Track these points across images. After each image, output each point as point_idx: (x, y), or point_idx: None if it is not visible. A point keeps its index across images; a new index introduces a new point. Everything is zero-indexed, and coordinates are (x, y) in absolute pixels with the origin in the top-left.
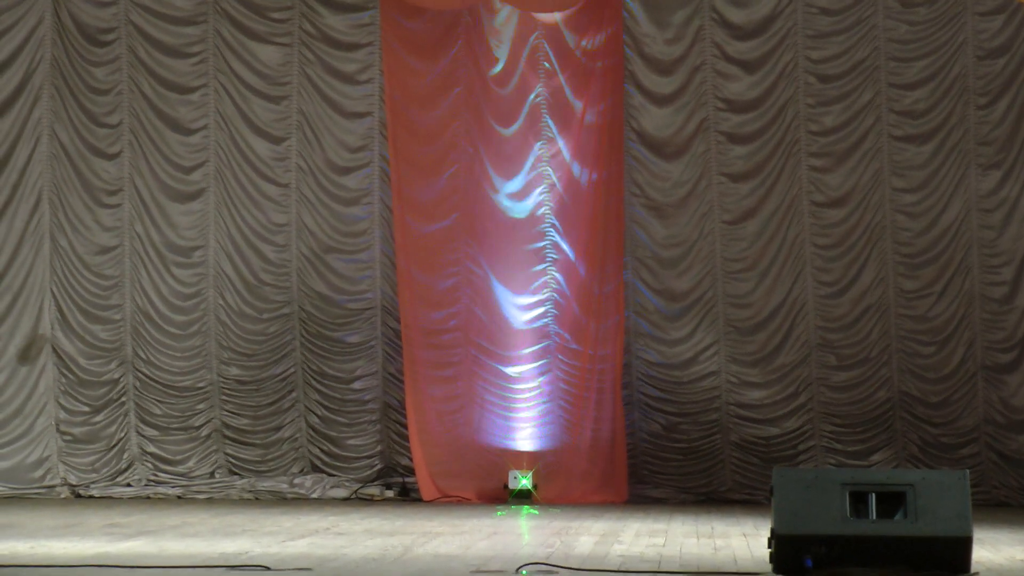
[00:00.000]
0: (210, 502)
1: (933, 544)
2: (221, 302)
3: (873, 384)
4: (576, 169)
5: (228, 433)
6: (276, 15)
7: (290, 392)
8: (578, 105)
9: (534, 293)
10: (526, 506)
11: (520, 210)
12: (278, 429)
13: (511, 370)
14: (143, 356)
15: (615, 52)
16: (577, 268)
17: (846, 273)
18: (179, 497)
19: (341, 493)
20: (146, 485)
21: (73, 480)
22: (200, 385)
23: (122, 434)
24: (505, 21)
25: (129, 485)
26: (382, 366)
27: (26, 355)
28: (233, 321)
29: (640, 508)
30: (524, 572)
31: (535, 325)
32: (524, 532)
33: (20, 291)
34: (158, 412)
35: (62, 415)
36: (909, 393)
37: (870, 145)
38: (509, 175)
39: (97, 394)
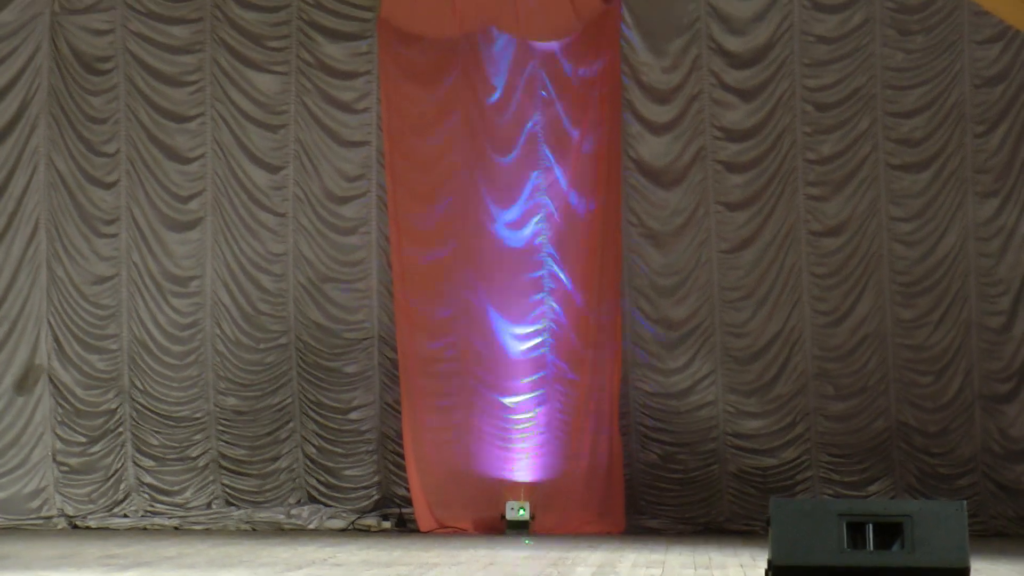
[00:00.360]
0: (207, 533)
1: (930, 575)
2: (218, 332)
3: (870, 414)
4: (573, 198)
5: (225, 463)
6: (273, 44)
7: (287, 422)
8: (575, 133)
9: (531, 323)
10: (523, 538)
11: (517, 239)
12: (275, 459)
13: (508, 400)
14: (140, 386)
15: (612, 80)
16: (574, 297)
17: (843, 302)
18: (176, 528)
19: (338, 524)
20: (143, 516)
21: (70, 511)
22: (197, 415)
23: (119, 464)
24: (502, 49)
25: (126, 516)
26: (379, 396)
27: (23, 385)
28: (230, 351)
29: (637, 538)
30: None
31: (532, 355)
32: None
33: (17, 320)
34: (155, 442)
35: (59, 445)
36: (907, 423)
37: (867, 173)
38: (506, 204)
39: (94, 424)
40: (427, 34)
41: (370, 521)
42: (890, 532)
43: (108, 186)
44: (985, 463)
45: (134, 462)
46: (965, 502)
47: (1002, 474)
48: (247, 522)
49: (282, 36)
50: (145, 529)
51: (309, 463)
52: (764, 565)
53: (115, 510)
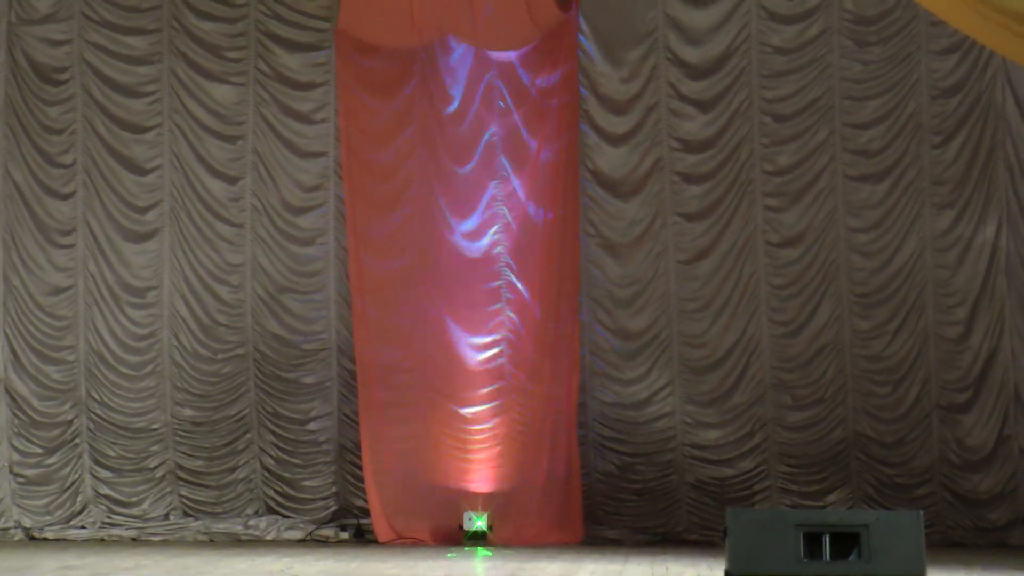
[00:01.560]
0: (165, 544)
1: None
2: (175, 343)
3: (828, 424)
4: (531, 208)
5: (182, 475)
6: (231, 54)
7: (245, 433)
8: (533, 144)
9: (489, 333)
10: (480, 548)
11: (475, 249)
12: (233, 470)
13: (466, 410)
14: (97, 397)
15: (570, 91)
16: (532, 308)
17: (801, 312)
18: (133, 539)
19: (296, 535)
20: (100, 527)
21: (27, 523)
22: (154, 426)
23: (76, 476)
24: (460, 59)
25: (83, 527)
26: (337, 407)
27: None
28: (187, 362)
29: (595, 549)
30: None
31: (490, 365)
32: (479, 574)
33: None
34: (112, 454)
35: (15, 457)
36: (864, 433)
37: (824, 184)
38: (464, 214)
39: (51, 435)
40: (385, 44)
41: (328, 532)
42: (847, 542)
43: (65, 197)
44: (942, 473)
45: (91, 473)
46: (922, 512)
47: (959, 484)
48: (205, 533)
49: (240, 47)
50: (103, 540)
51: (267, 474)
52: (722, 575)
53: (72, 521)
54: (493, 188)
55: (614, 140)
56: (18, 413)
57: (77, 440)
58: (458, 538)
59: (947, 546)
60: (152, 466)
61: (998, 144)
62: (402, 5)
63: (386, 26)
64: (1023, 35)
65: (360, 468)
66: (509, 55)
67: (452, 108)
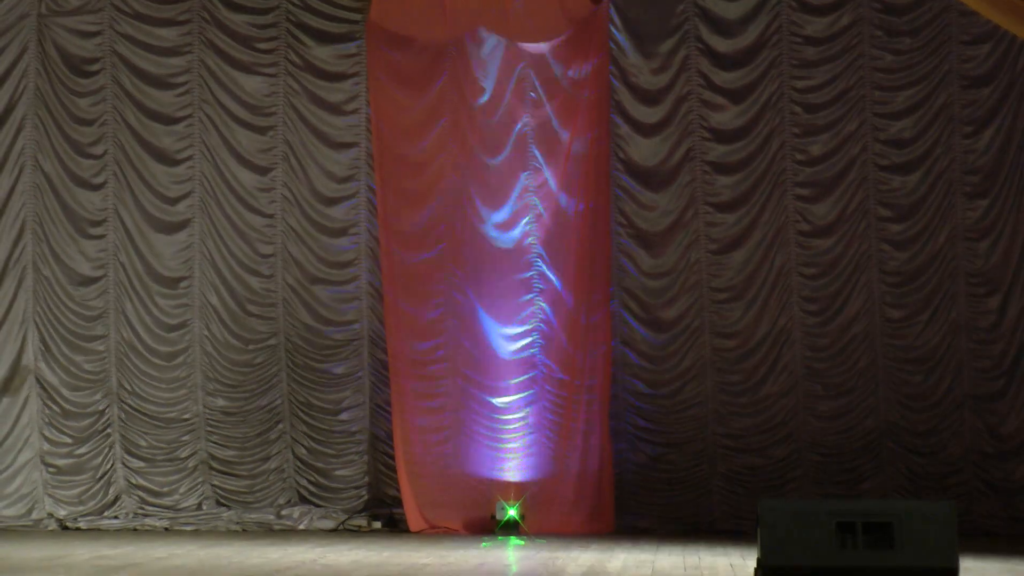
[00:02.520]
0: (197, 534)
1: (919, 574)
2: (207, 333)
3: (860, 413)
4: (563, 199)
5: (215, 464)
6: (262, 45)
7: (277, 423)
8: (565, 135)
9: (521, 323)
10: (513, 537)
11: (507, 240)
12: (265, 460)
13: (498, 400)
14: (128, 387)
15: (601, 82)
16: (564, 298)
17: (832, 302)
18: (166, 529)
19: (328, 524)
20: (133, 517)
21: (60, 513)
22: (186, 416)
23: (108, 466)
24: (491, 51)
25: (116, 517)
26: (369, 397)
27: (9, 386)
28: (219, 352)
29: (627, 538)
30: None
31: (522, 355)
32: (511, 563)
33: (3, 322)
34: (144, 444)
35: (46, 447)
36: (896, 422)
37: (856, 174)
38: (496, 205)
39: (82, 425)
40: (416, 36)
41: (360, 521)
42: (880, 532)
43: (95, 188)
44: (975, 462)
45: (123, 463)
46: (954, 503)
47: (992, 473)
48: (237, 523)
49: (270, 38)
50: (135, 530)
51: (299, 464)
52: (754, 565)
53: (105, 512)
54: (525, 179)
55: (646, 131)
56: (49, 403)
57: (109, 430)
58: (490, 527)
59: (980, 535)
60: (184, 456)
61: None
62: None
63: (418, 17)
64: None
65: (392, 458)
66: (540, 47)
67: (483, 100)
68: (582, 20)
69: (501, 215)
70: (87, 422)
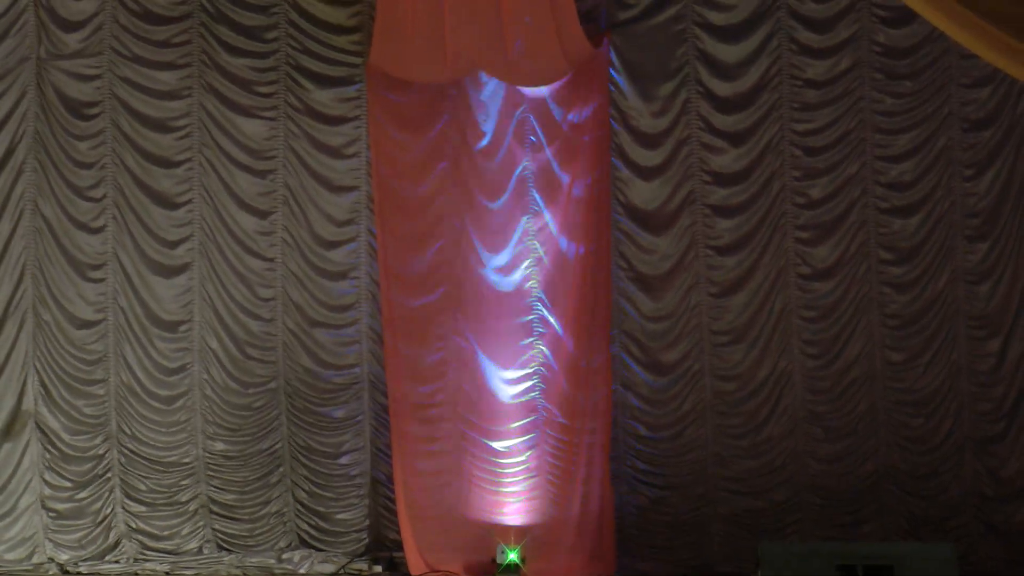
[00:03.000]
0: None
1: None
2: (207, 376)
3: (860, 456)
4: (563, 242)
5: (215, 508)
6: (261, 89)
7: (277, 467)
8: (565, 178)
9: (522, 367)
10: None
11: (507, 284)
12: (266, 504)
13: (499, 444)
14: (128, 431)
15: (602, 125)
16: (564, 342)
17: (833, 345)
18: (167, 573)
19: (329, 568)
20: (134, 561)
21: (61, 557)
22: (186, 460)
23: (108, 510)
24: (491, 95)
25: (117, 562)
26: (370, 440)
27: (9, 431)
28: (219, 395)
29: None
30: None
31: (523, 399)
32: None
33: (3, 366)
34: (144, 488)
35: (47, 491)
36: (896, 465)
37: (856, 217)
38: (496, 249)
39: (82, 469)
40: (416, 80)
41: (361, 565)
42: (881, 575)
43: (95, 231)
44: (975, 505)
45: (123, 507)
46: (954, 545)
47: (992, 516)
48: (238, 567)
49: (270, 82)
50: (136, 575)
51: (300, 507)
52: None
53: (106, 556)
54: (525, 223)
55: (646, 174)
56: (49, 447)
57: (109, 474)
58: (491, 571)
59: None
60: (184, 500)
61: None
62: (435, 41)
63: (418, 61)
64: None
65: (393, 501)
66: (540, 91)
67: (484, 143)
68: (582, 63)
69: (501, 258)
70: (87, 466)
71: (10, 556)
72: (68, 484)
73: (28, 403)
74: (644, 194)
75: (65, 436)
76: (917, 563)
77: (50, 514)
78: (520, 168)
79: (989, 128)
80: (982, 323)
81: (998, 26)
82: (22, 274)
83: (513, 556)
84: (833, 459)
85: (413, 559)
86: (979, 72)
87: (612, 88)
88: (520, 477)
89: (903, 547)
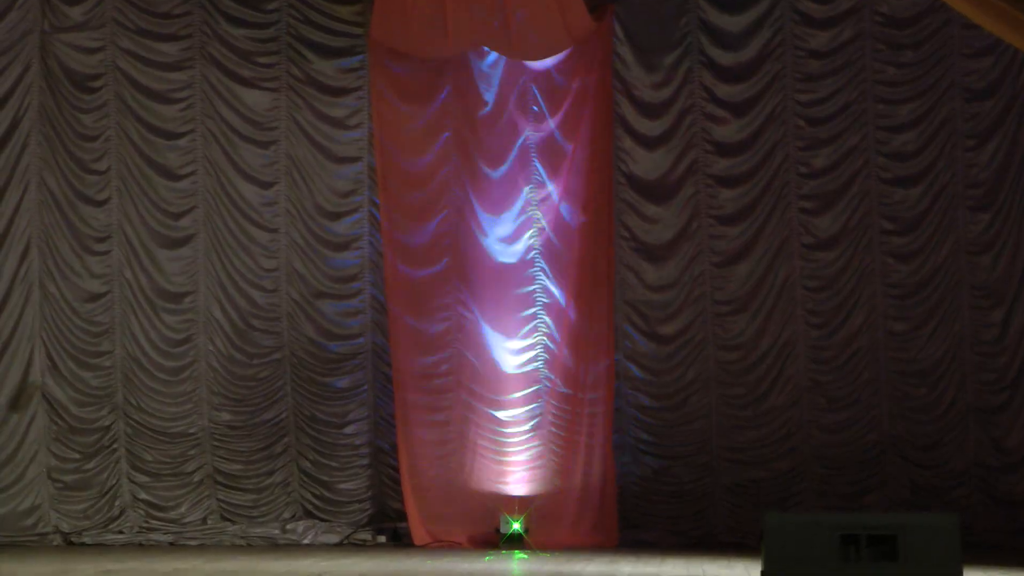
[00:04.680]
0: (202, 548)
1: None
2: (211, 348)
3: (864, 426)
4: (566, 212)
5: (220, 479)
6: (263, 60)
7: (282, 437)
8: (568, 148)
9: (525, 337)
10: (517, 551)
11: (510, 254)
12: (270, 474)
13: (502, 414)
14: (134, 402)
15: (604, 95)
16: (567, 312)
17: (836, 315)
18: (171, 544)
19: (333, 539)
20: (138, 532)
21: (65, 528)
22: (191, 431)
23: (114, 481)
24: (493, 64)
25: (121, 532)
26: (373, 410)
27: (17, 403)
28: (224, 367)
29: (631, 551)
30: None
31: (526, 369)
32: None
33: (10, 339)
34: (149, 458)
35: (53, 462)
36: (899, 435)
37: (859, 187)
38: (499, 218)
39: (88, 441)
40: (418, 55)
41: (365, 535)
42: (884, 545)
43: (99, 204)
44: (978, 475)
45: (129, 478)
46: (957, 515)
47: (995, 486)
48: (242, 537)
49: (272, 52)
50: (141, 545)
51: (304, 477)
52: None
53: (110, 526)
54: (527, 192)
55: (648, 144)
56: (56, 419)
57: (115, 445)
58: (494, 541)
59: (984, 548)
60: (189, 470)
61: None
62: (435, 16)
63: (419, 35)
64: None
65: (396, 471)
66: (544, 61)
67: (486, 112)
68: (584, 36)
69: (504, 229)
70: (93, 437)
71: (16, 526)
72: (75, 455)
73: (35, 375)
74: (647, 164)
75: (72, 408)
76: (920, 533)
77: (56, 485)
78: (522, 138)
79: (991, 98)
80: (985, 293)
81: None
82: (28, 247)
83: (516, 526)
84: (836, 429)
85: (417, 529)
86: (981, 42)
87: (615, 58)
88: (523, 447)
89: (906, 517)
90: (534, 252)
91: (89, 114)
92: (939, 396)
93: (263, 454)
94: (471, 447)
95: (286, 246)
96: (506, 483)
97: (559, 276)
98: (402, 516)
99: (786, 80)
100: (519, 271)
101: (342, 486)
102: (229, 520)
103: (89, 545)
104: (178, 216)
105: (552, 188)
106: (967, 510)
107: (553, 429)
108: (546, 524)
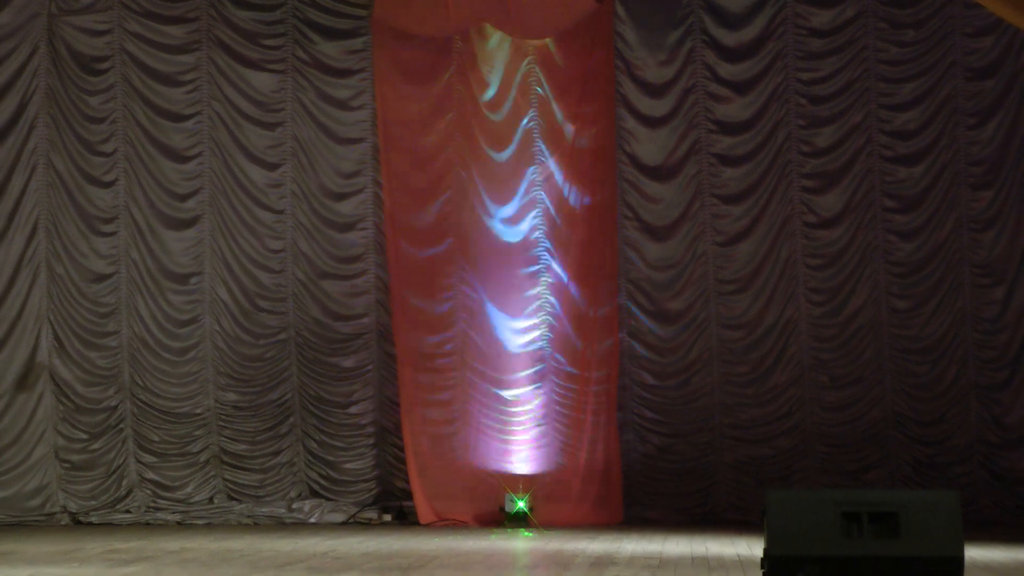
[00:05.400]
0: (209, 528)
1: (925, 564)
2: (217, 328)
3: (866, 404)
4: (569, 192)
5: (226, 459)
6: (269, 42)
7: (287, 417)
8: (570, 129)
9: (529, 317)
10: (522, 529)
11: (514, 234)
12: (276, 454)
13: (507, 393)
14: (140, 383)
15: (607, 75)
16: (571, 291)
17: (838, 293)
18: (178, 523)
19: (339, 517)
20: (145, 511)
21: (72, 507)
22: (198, 411)
23: (121, 461)
24: (497, 46)
25: (128, 512)
26: (378, 390)
27: (24, 383)
28: (230, 347)
29: (635, 529)
30: None
31: (530, 348)
32: (521, 555)
33: (17, 319)
34: (156, 438)
35: (60, 442)
36: (902, 412)
37: (861, 166)
38: (503, 199)
39: (95, 421)
40: (421, 32)
41: (370, 514)
42: (885, 522)
43: (106, 185)
44: (980, 452)
45: (136, 458)
46: (958, 492)
47: (997, 462)
48: (249, 516)
49: (277, 35)
50: (147, 524)
51: (310, 457)
52: (760, 555)
53: (117, 506)
54: (531, 173)
55: (651, 123)
56: (63, 399)
57: (121, 425)
58: (499, 520)
59: (985, 524)
60: (196, 450)
61: None
62: None
63: (421, 15)
64: None
65: (401, 451)
66: (545, 41)
67: (489, 95)
68: (586, 14)
69: (508, 209)
70: (100, 417)
71: (23, 506)
72: (82, 435)
73: (42, 355)
74: (650, 144)
75: (79, 388)
76: (922, 510)
77: (63, 465)
78: (526, 119)
79: (992, 77)
80: (986, 271)
81: None
82: (35, 228)
83: (521, 504)
84: (839, 406)
85: (422, 508)
86: (982, 22)
87: (617, 38)
88: (528, 426)
89: (908, 494)
90: (538, 232)
91: (96, 96)
92: (941, 374)
93: (269, 434)
94: (476, 426)
95: (291, 227)
96: (511, 461)
97: (563, 256)
98: (407, 495)
99: (788, 59)
100: (523, 251)
101: (348, 465)
102: (235, 499)
103: (96, 525)
104: (184, 197)
105: (555, 169)
106: (968, 487)
107: (557, 408)
108: (551, 502)
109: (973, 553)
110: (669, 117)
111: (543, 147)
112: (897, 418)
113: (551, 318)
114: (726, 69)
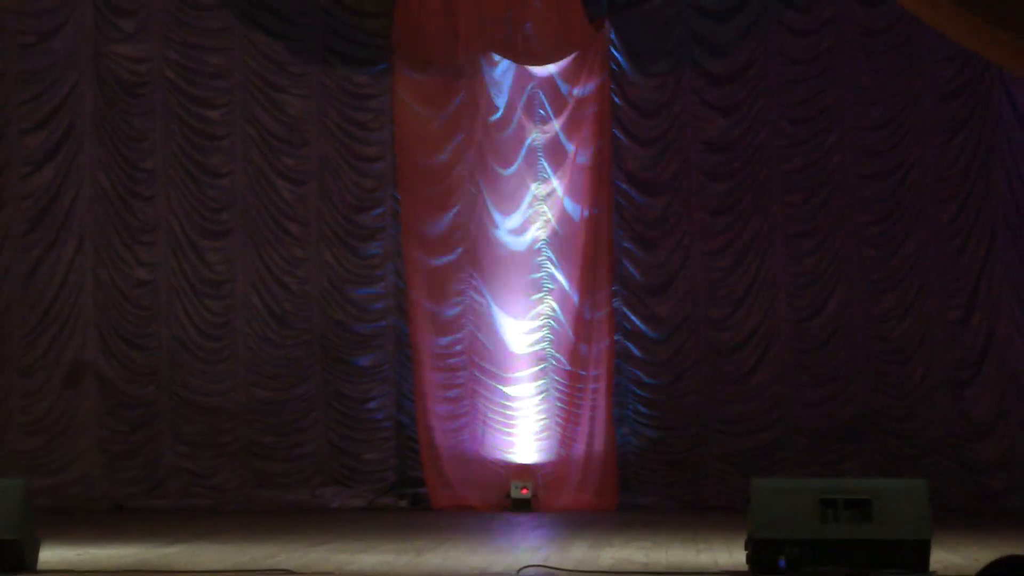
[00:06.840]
0: (237, 513)
1: (896, 546)
2: (248, 330)
3: (842, 400)
4: (569, 206)
5: (255, 449)
6: (297, 69)
7: (311, 412)
8: (570, 148)
9: (532, 320)
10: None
11: (519, 244)
12: (300, 445)
13: (511, 390)
14: (177, 380)
15: (604, 99)
16: (571, 296)
17: (816, 299)
18: (210, 508)
19: (358, 503)
20: (180, 497)
21: (114, 494)
22: (229, 406)
23: (158, 451)
24: (503, 73)
25: (164, 497)
26: (395, 387)
27: (71, 380)
28: (260, 347)
29: (630, 514)
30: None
31: (533, 349)
32: (523, 539)
33: (66, 321)
34: (191, 431)
35: (104, 434)
36: (875, 408)
37: (837, 182)
38: (508, 212)
39: (135, 414)
40: (434, 59)
41: (387, 501)
42: (859, 508)
43: (147, 199)
44: (948, 444)
45: (172, 449)
46: (927, 481)
47: (963, 454)
48: (275, 502)
49: (305, 63)
50: (182, 510)
51: (331, 448)
52: (745, 538)
53: (155, 492)
54: (534, 188)
55: (645, 143)
56: (107, 395)
57: (159, 419)
58: (505, 505)
59: (952, 511)
60: (226, 441)
61: (996, 143)
62: (448, 26)
63: (434, 43)
64: (1006, 43)
65: (416, 443)
66: (548, 69)
67: (497, 116)
68: (585, 44)
69: (513, 221)
70: (140, 411)
71: (70, 492)
72: (123, 428)
73: (88, 355)
74: (643, 161)
75: (121, 384)
76: (893, 498)
77: (106, 454)
78: (530, 139)
79: (958, 99)
80: (952, 277)
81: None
82: (82, 238)
83: (525, 492)
84: (817, 403)
85: (435, 494)
86: (949, 50)
87: (614, 66)
88: (530, 420)
89: (880, 483)
90: (540, 242)
91: (138, 118)
92: (911, 372)
93: (294, 427)
94: (483, 420)
95: (316, 238)
96: (515, 452)
97: (563, 264)
98: (421, 483)
99: (770, 84)
100: (527, 259)
101: (366, 456)
102: (263, 487)
103: (136, 509)
104: (219, 211)
105: (557, 184)
106: (937, 476)
107: (558, 403)
108: (551, 490)
109: (941, 538)
110: (661, 137)
111: (546, 164)
112: (871, 413)
113: (552, 321)
114: (713, 93)
